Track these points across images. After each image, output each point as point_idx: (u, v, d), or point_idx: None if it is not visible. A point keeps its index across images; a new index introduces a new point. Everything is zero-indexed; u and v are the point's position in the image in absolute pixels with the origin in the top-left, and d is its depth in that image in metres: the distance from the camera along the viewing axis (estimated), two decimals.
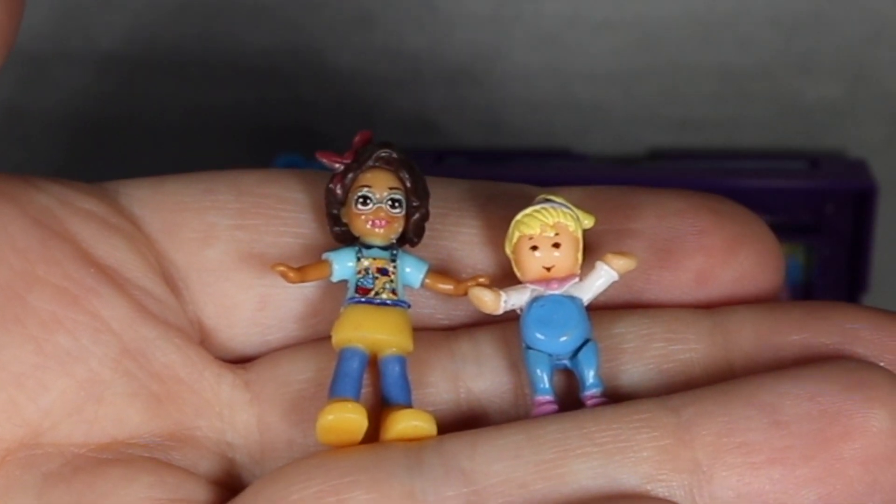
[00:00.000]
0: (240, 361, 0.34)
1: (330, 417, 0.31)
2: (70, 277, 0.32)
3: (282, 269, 0.32)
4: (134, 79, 0.59)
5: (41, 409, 0.31)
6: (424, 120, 0.59)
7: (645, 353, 0.32)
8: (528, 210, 0.32)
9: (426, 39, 0.57)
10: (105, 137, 0.60)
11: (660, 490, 0.29)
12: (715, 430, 0.29)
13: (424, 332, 0.33)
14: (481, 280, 0.32)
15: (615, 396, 0.32)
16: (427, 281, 0.33)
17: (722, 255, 0.33)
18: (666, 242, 0.33)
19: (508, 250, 0.32)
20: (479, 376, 0.33)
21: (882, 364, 0.30)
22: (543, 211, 0.32)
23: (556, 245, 0.32)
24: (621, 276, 0.32)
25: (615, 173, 0.57)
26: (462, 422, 0.32)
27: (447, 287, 0.33)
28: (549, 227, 0.32)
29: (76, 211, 0.33)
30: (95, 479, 0.30)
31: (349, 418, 0.31)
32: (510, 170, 0.57)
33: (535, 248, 0.32)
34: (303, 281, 0.32)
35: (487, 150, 0.59)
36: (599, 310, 0.33)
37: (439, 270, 0.33)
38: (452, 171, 0.56)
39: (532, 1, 0.57)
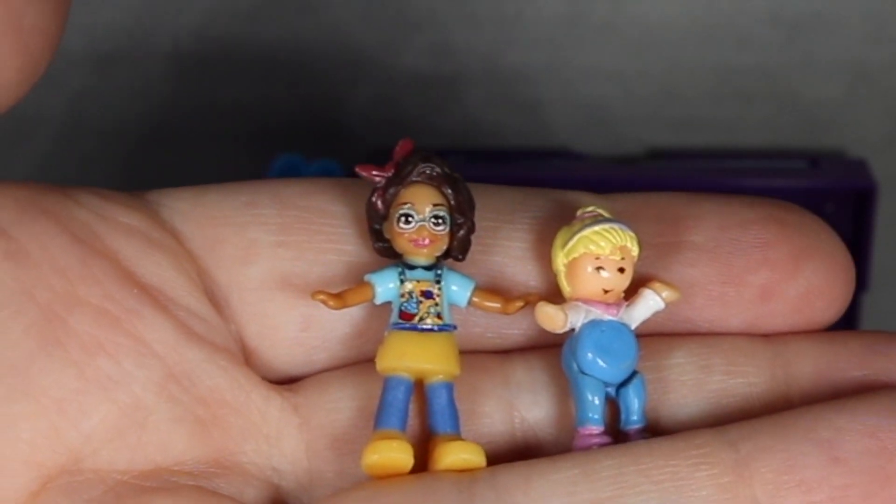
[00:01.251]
0: (284, 382, 0.33)
1: (375, 457, 0.30)
2: (112, 298, 0.31)
3: (322, 297, 0.31)
4: (132, 77, 0.59)
5: (83, 435, 0.30)
6: (424, 120, 0.59)
7: (705, 386, 0.32)
8: (597, 227, 0.31)
9: (426, 39, 0.57)
10: (110, 139, 0.60)
11: None
12: (774, 468, 0.28)
13: (477, 356, 0.32)
14: (531, 298, 0.32)
15: (670, 429, 0.31)
16: (474, 300, 0.32)
17: (788, 269, 0.32)
18: (728, 256, 0.32)
19: (562, 262, 0.31)
20: (534, 405, 0.32)
21: None
22: (613, 231, 0.31)
23: (621, 269, 0.31)
24: (666, 306, 0.31)
25: (615, 173, 0.57)
26: (516, 452, 0.32)
27: (495, 305, 0.32)
28: (617, 250, 0.31)
29: (117, 226, 0.32)
30: None
31: (395, 458, 0.30)
32: (510, 170, 0.57)
33: (599, 268, 0.31)
34: (344, 307, 0.31)
35: (487, 150, 0.59)
36: (656, 335, 0.32)
37: (486, 288, 0.32)
38: None
39: (532, 1, 0.56)
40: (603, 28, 0.57)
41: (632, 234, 0.31)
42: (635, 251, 0.31)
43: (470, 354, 0.32)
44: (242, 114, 0.60)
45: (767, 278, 0.32)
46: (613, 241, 0.31)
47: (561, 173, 0.57)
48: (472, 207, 0.32)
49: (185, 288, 0.32)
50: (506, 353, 0.33)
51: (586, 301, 0.31)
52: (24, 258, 0.30)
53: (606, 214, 0.32)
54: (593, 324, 0.31)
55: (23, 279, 0.30)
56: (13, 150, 0.59)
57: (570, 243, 0.31)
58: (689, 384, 0.32)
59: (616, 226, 0.31)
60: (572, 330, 0.32)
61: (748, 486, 0.28)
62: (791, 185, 0.56)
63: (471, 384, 0.32)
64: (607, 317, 0.31)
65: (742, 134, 0.58)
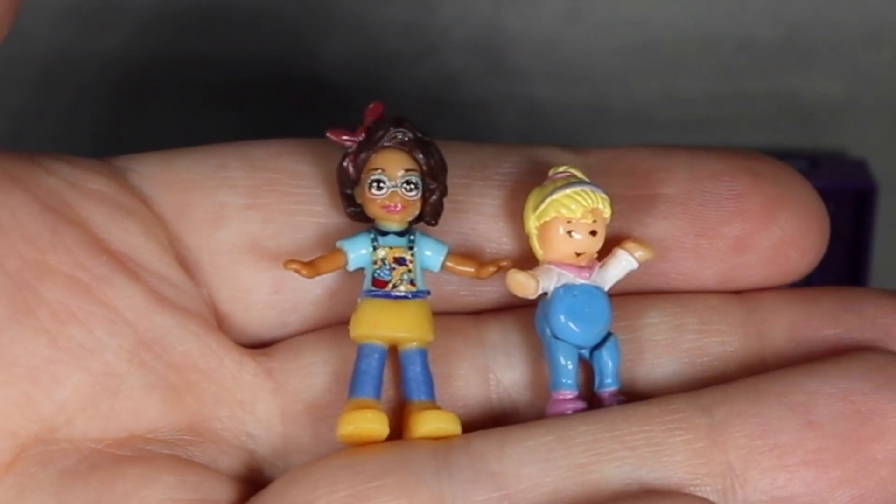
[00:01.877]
0: (255, 346, 0.33)
1: (350, 427, 0.30)
2: (82, 266, 0.31)
3: (294, 266, 0.31)
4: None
5: (56, 404, 0.30)
6: (424, 119, 0.59)
7: (678, 345, 0.32)
8: (568, 190, 0.31)
9: (426, 39, 0.57)
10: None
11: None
12: (748, 432, 0.29)
13: (451, 319, 0.32)
14: (503, 264, 0.31)
15: (645, 389, 0.31)
16: (447, 264, 0.32)
17: (761, 220, 0.31)
18: (701, 208, 0.32)
19: (533, 225, 0.31)
20: (509, 367, 0.32)
21: None
22: (585, 194, 0.31)
23: (593, 232, 0.31)
24: (641, 265, 0.31)
25: None
26: (492, 415, 0.32)
27: (468, 270, 0.32)
28: (589, 213, 0.31)
29: (86, 193, 0.32)
30: (115, 478, 0.30)
31: (370, 428, 0.30)
32: None
33: (570, 232, 0.31)
34: (317, 275, 0.31)
35: None
36: (629, 294, 0.32)
37: (460, 252, 0.32)
38: None
39: (532, 1, 0.56)
40: (603, 28, 0.57)
41: (604, 196, 0.31)
42: (607, 213, 0.31)
43: (444, 316, 0.32)
44: (240, 119, 0.59)
45: (741, 229, 0.32)
46: (585, 203, 0.31)
47: None
48: (444, 171, 0.31)
49: (155, 253, 0.32)
50: (479, 314, 0.33)
51: (558, 264, 0.31)
52: None
53: (579, 174, 0.31)
54: (565, 288, 0.31)
55: None
56: None
57: (542, 206, 0.31)
58: (663, 343, 0.32)
59: (588, 188, 0.31)
60: (545, 294, 0.31)
61: (722, 451, 0.29)
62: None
63: (445, 347, 0.32)
64: (579, 280, 0.31)
65: (742, 134, 0.58)
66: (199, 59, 0.58)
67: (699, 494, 0.28)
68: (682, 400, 0.29)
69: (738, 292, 0.32)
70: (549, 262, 0.31)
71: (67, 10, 0.56)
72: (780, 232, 0.32)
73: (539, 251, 0.31)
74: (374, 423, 0.30)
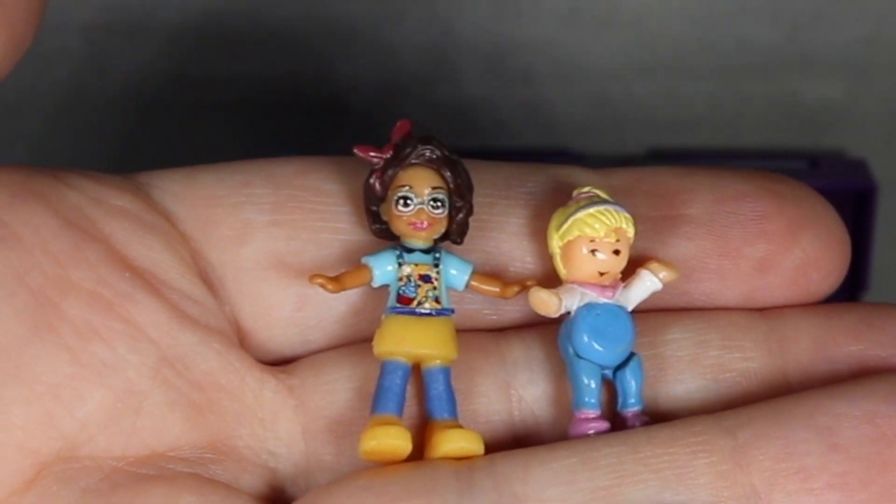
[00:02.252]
0: (278, 363, 0.33)
1: (373, 443, 0.30)
2: (104, 282, 0.31)
3: (320, 280, 0.31)
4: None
5: (78, 422, 0.30)
6: (424, 120, 0.59)
7: (701, 362, 0.31)
8: (592, 210, 0.31)
9: (426, 40, 0.57)
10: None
11: None
12: (772, 455, 0.28)
13: (474, 335, 0.32)
14: (529, 283, 0.31)
15: (668, 405, 0.31)
16: (472, 283, 0.32)
17: (784, 241, 0.32)
18: (724, 229, 0.32)
19: (557, 244, 0.31)
20: (531, 383, 0.32)
21: None
22: (608, 214, 0.31)
23: (616, 252, 0.31)
24: (665, 286, 0.31)
25: None
26: (513, 432, 0.32)
27: (493, 289, 0.32)
28: (612, 232, 0.31)
29: (109, 209, 0.32)
30: (136, 498, 0.30)
31: (392, 444, 0.30)
32: None
33: (594, 251, 0.31)
34: (342, 290, 0.31)
35: (487, 150, 0.59)
36: (651, 311, 0.32)
37: (484, 272, 0.32)
38: None
39: (532, 1, 0.56)
40: (603, 27, 0.57)
41: (627, 216, 0.31)
42: (631, 232, 0.31)
43: (466, 333, 0.32)
44: (240, 119, 0.59)
45: (764, 250, 0.32)
46: (608, 223, 0.31)
47: None
48: (470, 190, 0.31)
49: (177, 270, 0.32)
50: (502, 331, 0.33)
51: (582, 283, 0.31)
52: (15, 243, 0.30)
53: (603, 195, 0.31)
54: (588, 307, 0.31)
55: (14, 264, 0.30)
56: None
57: (565, 226, 0.31)
58: (686, 360, 0.31)
59: (611, 207, 0.31)
60: (568, 313, 0.31)
61: (746, 474, 0.28)
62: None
63: (467, 364, 0.32)
64: (603, 299, 0.31)
65: (742, 134, 0.58)
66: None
67: None
68: (705, 422, 0.29)
69: (760, 309, 0.32)
70: (573, 282, 0.31)
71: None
72: (803, 253, 0.32)
73: (562, 271, 0.31)
74: (397, 439, 0.30)
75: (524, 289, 0.31)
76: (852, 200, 0.55)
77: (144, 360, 0.31)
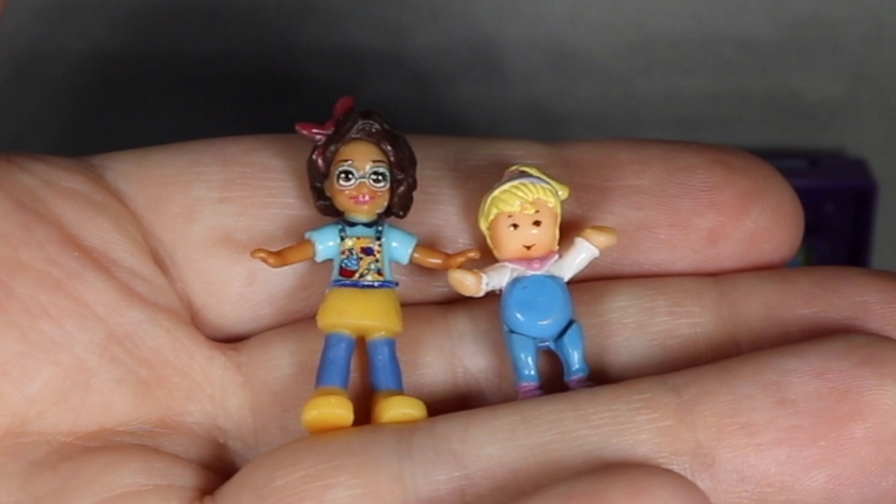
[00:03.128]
0: (231, 339, 0.33)
1: (314, 413, 0.30)
2: (54, 262, 0.31)
3: (262, 255, 0.31)
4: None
5: (27, 398, 0.30)
6: (424, 119, 0.59)
7: (648, 328, 0.31)
8: (506, 185, 0.31)
9: (426, 39, 0.57)
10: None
11: None
12: (718, 410, 0.28)
13: (420, 308, 0.33)
14: (471, 255, 0.31)
15: (615, 373, 0.31)
16: (415, 256, 0.32)
17: (734, 212, 0.32)
18: (675, 199, 0.32)
19: (483, 226, 0.31)
20: (477, 354, 0.32)
21: (893, 337, 0.29)
22: (522, 187, 0.31)
23: (537, 223, 0.31)
24: (602, 251, 0.31)
25: None
26: (459, 403, 0.32)
27: (436, 262, 0.32)
28: (529, 205, 0.31)
29: (60, 191, 0.32)
30: (81, 466, 0.30)
31: (334, 413, 0.30)
32: None
33: (514, 225, 0.31)
34: (284, 265, 0.31)
35: None
36: (601, 279, 0.32)
37: (428, 245, 0.32)
38: None
39: (532, 1, 0.56)
40: (603, 28, 0.57)
41: (545, 186, 0.31)
42: (552, 202, 0.31)
43: (413, 306, 0.32)
44: (240, 117, 0.59)
45: (714, 221, 0.32)
46: (523, 195, 0.31)
47: None
48: (413, 164, 0.32)
49: (127, 249, 0.32)
50: (449, 303, 0.33)
51: (511, 260, 0.31)
52: None
53: (531, 170, 0.31)
54: (516, 281, 0.31)
55: None
56: None
57: (485, 207, 0.31)
58: (632, 326, 0.31)
59: (526, 181, 0.31)
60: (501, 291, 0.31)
61: (691, 430, 0.28)
62: (791, 185, 0.56)
63: (413, 336, 0.32)
64: (530, 272, 0.31)
65: (742, 133, 0.58)
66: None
67: None
68: (650, 381, 0.29)
69: (713, 274, 0.32)
70: (504, 260, 0.31)
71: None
72: (754, 224, 0.32)
73: (494, 250, 0.32)
74: (337, 408, 0.30)
75: (468, 260, 0.32)
76: (852, 200, 0.55)
77: (93, 338, 0.31)
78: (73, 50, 0.57)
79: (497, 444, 0.29)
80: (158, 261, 0.33)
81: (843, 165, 0.57)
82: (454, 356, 0.32)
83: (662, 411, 0.28)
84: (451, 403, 0.32)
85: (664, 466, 0.28)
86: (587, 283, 0.32)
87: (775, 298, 0.31)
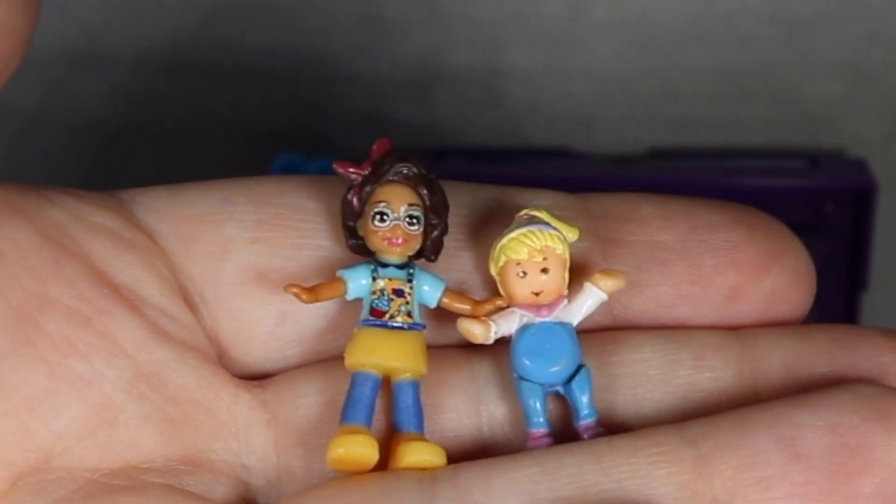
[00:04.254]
0: (257, 377, 0.33)
1: (340, 451, 0.30)
2: (83, 298, 0.31)
3: (295, 290, 0.31)
4: (132, 80, 0.59)
5: (53, 434, 0.30)
6: (424, 119, 0.59)
7: (671, 381, 0.32)
8: (514, 233, 0.31)
9: (426, 39, 0.57)
10: (110, 140, 0.60)
11: None
12: (734, 465, 0.29)
13: (445, 350, 0.33)
14: (499, 303, 0.32)
15: (637, 424, 0.31)
16: (444, 300, 0.32)
17: (754, 272, 0.32)
18: (697, 257, 0.32)
19: (494, 272, 0.32)
20: (501, 399, 0.32)
21: None
22: (530, 235, 0.31)
23: (545, 270, 0.31)
24: (610, 296, 0.32)
25: (615, 172, 0.57)
26: (483, 448, 0.32)
27: (464, 308, 0.32)
28: (537, 252, 0.31)
29: (90, 227, 0.32)
30: None
31: (360, 452, 0.30)
32: (510, 169, 0.57)
33: (523, 273, 0.31)
34: (316, 301, 0.31)
35: (487, 150, 0.59)
36: (624, 329, 0.32)
37: (456, 290, 0.32)
38: (452, 170, 0.56)
39: (532, 1, 0.56)
40: (603, 28, 0.57)
41: (553, 233, 0.31)
42: (560, 248, 0.31)
43: (438, 349, 0.32)
44: (242, 114, 0.60)
45: (735, 280, 0.32)
46: (531, 244, 0.31)
47: (561, 173, 0.57)
48: (446, 209, 0.32)
49: (156, 287, 0.32)
50: (473, 347, 0.33)
51: (520, 306, 0.31)
52: None
53: (540, 214, 0.32)
54: (524, 328, 0.31)
55: None
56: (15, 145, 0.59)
57: (494, 253, 0.32)
58: (656, 379, 0.32)
59: (535, 228, 0.31)
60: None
61: (708, 484, 0.29)
62: (791, 185, 0.56)
63: (437, 377, 0.32)
64: (538, 319, 0.31)
65: (742, 133, 0.58)
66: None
67: None
68: (667, 432, 0.30)
69: (734, 329, 0.33)
70: (514, 306, 0.32)
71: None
72: (772, 284, 0.32)
73: (504, 296, 0.32)
74: (363, 447, 0.30)
75: (496, 308, 0.32)
76: (852, 200, 0.55)
77: (120, 375, 0.31)
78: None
79: (520, 497, 0.29)
80: (188, 299, 0.33)
81: (842, 165, 0.57)
82: (479, 401, 0.32)
83: (680, 465, 0.29)
84: (475, 449, 0.32)
85: None
86: (610, 331, 0.33)
87: (794, 356, 0.31)
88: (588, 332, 0.33)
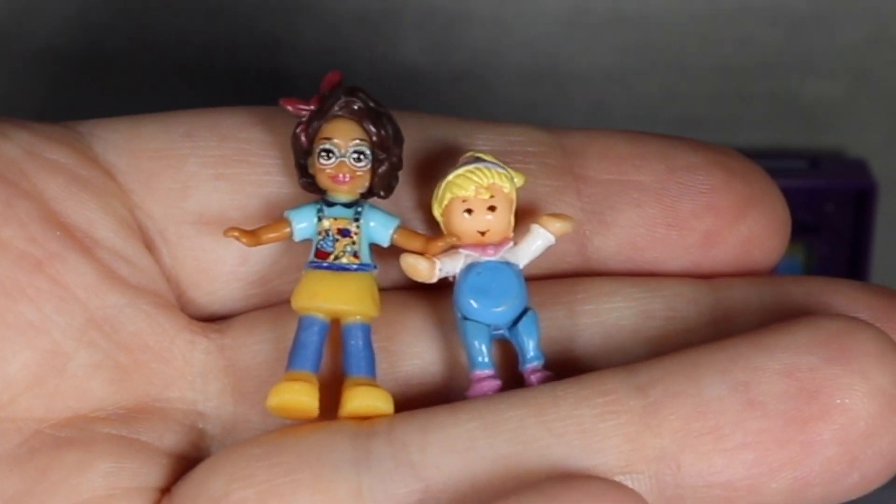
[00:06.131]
0: (217, 318, 0.32)
1: (277, 399, 0.30)
2: (34, 241, 0.30)
3: (235, 234, 0.30)
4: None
5: (1, 383, 0.30)
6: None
7: (643, 333, 0.31)
8: (461, 170, 0.30)
9: (427, 39, 0.57)
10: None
11: (625, 482, 0.27)
12: (684, 414, 0.27)
13: (403, 293, 0.32)
14: (452, 240, 0.31)
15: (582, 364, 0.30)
16: (396, 237, 0.31)
17: (731, 217, 0.31)
18: (674, 199, 0.32)
19: (437, 212, 0.31)
20: (443, 342, 0.31)
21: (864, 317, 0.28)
22: (477, 171, 0.30)
23: (492, 208, 0.30)
24: (558, 238, 0.31)
25: None
26: (427, 392, 0.31)
27: (416, 246, 0.31)
28: (483, 189, 0.30)
29: (44, 163, 0.31)
30: (50, 465, 0.29)
31: (298, 401, 0.30)
32: None
33: (469, 210, 0.30)
34: (258, 244, 0.31)
35: None
36: (597, 274, 0.32)
37: (408, 228, 0.31)
38: None
39: (532, 1, 0.56)
40: (603, 27, 0.57)
41: (501, 171, 0.30)
42: (507, 187, 0.30)
43: (397, 291, 0.32)
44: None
45: (712, 224, 0.31)
46: (478, 180, 0.30)
47: None
48: (398, 143, 0.31)
49: (111, 228, 0.31)
50: (431, 288, 0.32)
51: (464, 246, 0.31)
52: None
53: (487, 156, 0.31)
54: (469, 267, 0.30)
55: None
56: None
57: (439, 192, 0.31)
58: (628, 329, 0.31)
59: (481, 165, 0.30)
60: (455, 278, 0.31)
61: (657, 436, 0.27)
62: (791, 185, 0.56)
63: (391, 320, 0.31)
64: (485, 258, 0.30)
65: (742, 133, 0.58)
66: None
67: (630, 481, 0.27)
68: (614, 378, 0.28)
69: (708, 278, 0.32)
70: (459, 246, 0.31)
71: None
72: (748, 230, 0.31)
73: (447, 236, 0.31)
74: (302, 396, 0.30)
75: (447, 245, 0.31)
76: (852, 200, 0.55)
77: (71, 322, 0.30)
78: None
79: (457, 454, 0.28)
80: (146, 238, 0.32)
81: (843, 165, 0.57)
82: (431, 343, 0.32)
83: (627, 416, 0.28)
84: (417, 393, 0.31)
85: (625, 476, 0.27)
86: (580, 277, 0.32)
87: (770, 309, 0.30)
88: (558, 278, 0.32)
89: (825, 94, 0.57)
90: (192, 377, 0.31)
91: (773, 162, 0.57)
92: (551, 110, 0.58)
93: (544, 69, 0.58)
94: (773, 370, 0.27)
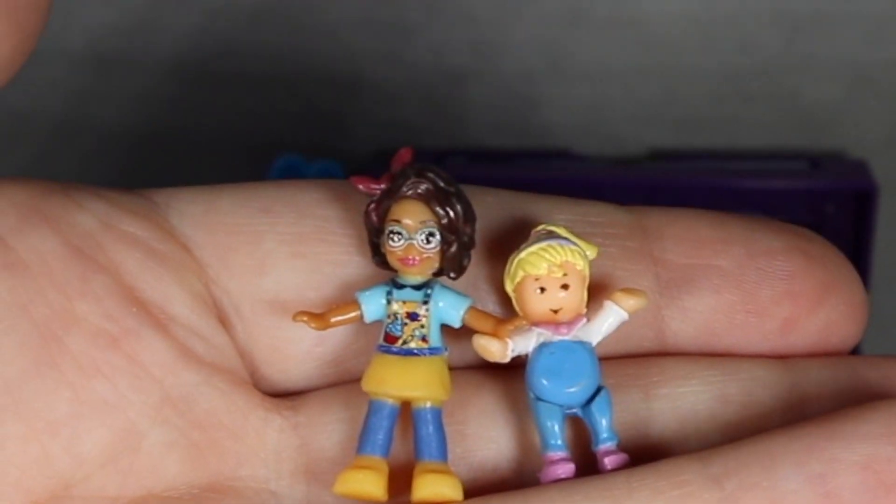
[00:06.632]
0: (291, 394, 0.32)
1: (343, 488, 0.29)
2: (110, 317, 0.30)
3: (304, 318, 0.30)
4: (132, 80, 0.59)
5: (74, 460, 0.29)
6: (425, 120, 0.59)
7: (719, 418, 0.31)
8: (534, 248, 0.30)
9: (426, 41, 0.57)
10: (107, 142, 0.60)
11: None
12: None
13: (474, 373, 0.32)
14: (522, 323, 0.30)
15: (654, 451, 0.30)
16: (467, 319, 0.30)
17: (810, 303, 0.31)
18: (753, 285, 0.31)
19: (509, 288, 0.30)
20: (519, 424, 0.31)
21: None
22: (550, 249, 0.30)
23: (565, 286, 0.30)
24: (631, 315, 0.30)
25: (615, 174, 0.57)
26: (507, 475, 0.31)
27: (486, 327, 0.30)
28: (556, 267, 0.30)
29: (120, 236, 0.31)
30: None
31: (364, 490, 0.29)
32: (510, 170, 0.57)
33: (541, 289, 0.30)
34: (327, 328, 0.30)
35: (487, 150, 0.59)
36: (673, 355, 0.32)
37: (480, 309, 0.31)
38: (453, 171, 0.55)
39: (532, 1, 0.56)
40: (603, 28, 0.56)
41: (573, 248, 0.30)
42: (580, 264, 0.30)
43: (468, 371, 0.31)
44: (243, 118, 0.60)
45: (791, 311, 0.31)
46: (551, 258, 0.30)
47: (561, 174, 0.57)
48: (469, 221, 0.30)
49: (187, 304, 0.31)
50: (506, 368, 0.32)
51: (537, 324, 0.30)
52: (21, 270, 0.30)
53: (560, 230, 0.31)
54: (542, 347, 0.30)
55: (20, 293, 0.29)
56: (11, 146, 0.59)
57: (511, 269, 0.30)
58: (703, 414, 0.31)
59: (554, 242, 0.30)
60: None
61: None
62: (791, 186, 0.56)
63: (463, 402, 0.31)
64: (557, 337, 0.30)
65: (743, 135, 0.58)
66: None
67: None
68: (690, 469, 0.28)
69: (784, 360, 0.32)
70: (532, 324, 0.30)
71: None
72: (826, 317, 0.31)
73: (520, 313, 0.31)
74: (367, 485, 0.29)
75: (518, 327, 0.30)
76: (853, 201, 0.55)
77: (146, 400, 0.30)
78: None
79: None
80: (221, 314, 0.32)
81: (843, 167, 0.57)
82: (500, 425, 0.31)
83: None
84: (497, 477, 0.31)
85: None
86: (655, 357, 0.32)
87: (846, 391, 0.30)
88: (632, 358, 0.32)
89: (825, 95, 0.57)
90: (266, 455, 0.31)
91: (773, 163, 0.58)
92: (551, 110, 0.58)
93: (544, 69, 0.58)
94: (850, 461, 0.27)
